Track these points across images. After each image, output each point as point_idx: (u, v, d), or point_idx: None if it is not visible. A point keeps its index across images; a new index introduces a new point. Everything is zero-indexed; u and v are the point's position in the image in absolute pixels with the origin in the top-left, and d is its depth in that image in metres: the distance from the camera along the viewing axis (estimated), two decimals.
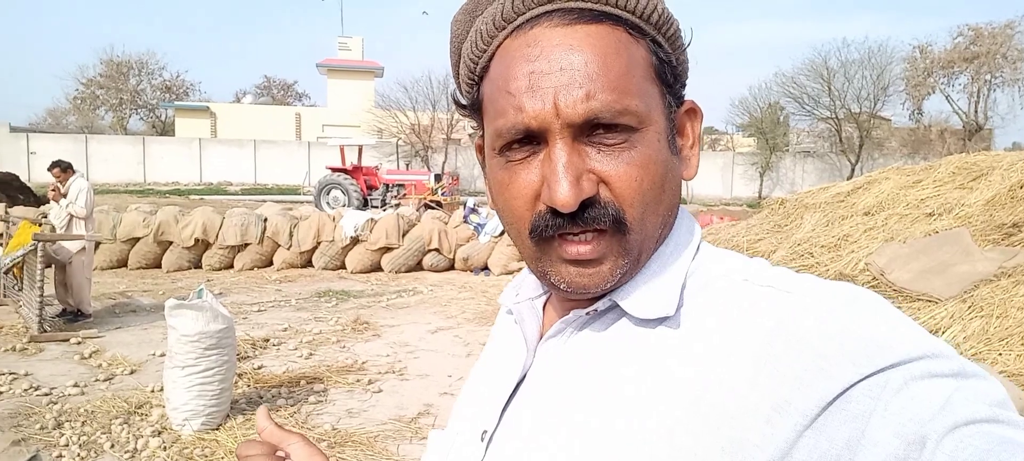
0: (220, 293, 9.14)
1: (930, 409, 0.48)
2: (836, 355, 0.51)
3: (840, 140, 34.76)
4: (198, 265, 11.14)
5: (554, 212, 0.60)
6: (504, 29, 0.63)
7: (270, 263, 11.36)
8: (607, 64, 0.59)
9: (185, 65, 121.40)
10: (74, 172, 7.66)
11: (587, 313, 0.66)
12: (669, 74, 0.65)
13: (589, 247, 0.61)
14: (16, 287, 7.50)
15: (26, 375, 5.44)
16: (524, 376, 0.70)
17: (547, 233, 0.62)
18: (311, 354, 6.36)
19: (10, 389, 5.09)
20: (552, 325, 0.69)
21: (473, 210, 12.93)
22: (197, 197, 26.81)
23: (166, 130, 44.22)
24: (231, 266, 11.17)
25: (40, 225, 7.60)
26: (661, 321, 0.62)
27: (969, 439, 0.46)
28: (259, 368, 5.86)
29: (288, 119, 40.03)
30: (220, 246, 11.08)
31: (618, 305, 0.64)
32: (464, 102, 0.71)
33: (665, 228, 0.66)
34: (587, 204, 0.60)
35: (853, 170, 32.59)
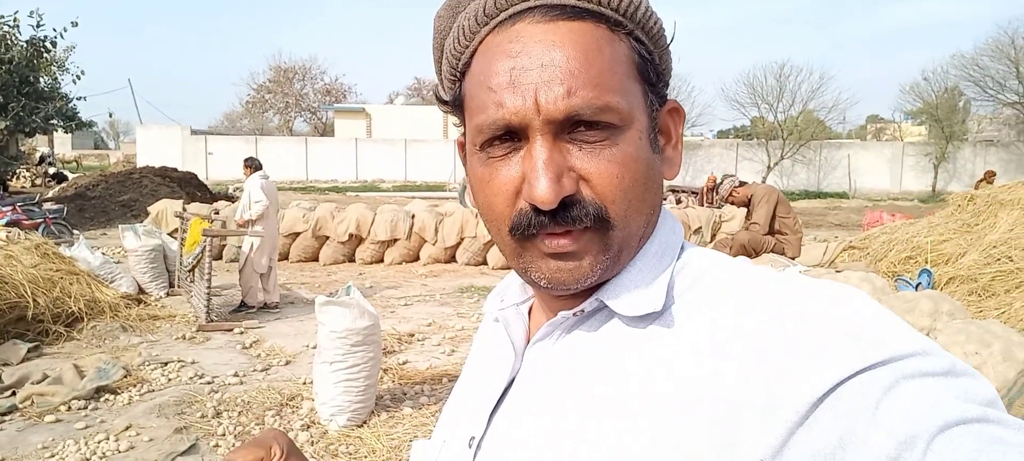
0: (370, 287, 9.42)
1: (921, 408, 0.47)
2: (827, 351, 0.51)
3: None
4: (352, 259, 11.58)
5: (535, 209, 0.60)
6: (486, 25, 0.63)
7: (417, 258, 11.62)
8: (589, 61, 0.59)
9: (343, 69, 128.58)
10: (254, 171, 8.06)
11: (574, 314, 0.65)
12: (652, 72, 0.64)
13: (569, 240, 0.60)
14: (190, 279, 8.06)
15: (193, 363, 5.77)
16: (512, 381, 0.70)
17: (528, 231, 0.61)
18: (453, 350, 6.34)
19: (178, 376, 5.40)
20: (539, 329, 0.69)
21: None
22: (353, 194, 28.18)
23: (327, 131, 46.90)
24: (382, 260, 11.53)
25: (210, 221, 8.13)
26: (650, 320, 0.62)
27: (960, 438, 0.45)
28: (404, 363, 5.90)
29: (436, 118, 41.19)
30: (372, 241, 11.46)
31: (605, 305, 0.64)
32: (446, 98, 0.70)
33: (648, 227, 0.66)
34: (568, 203, 0.59)
35: None
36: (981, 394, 0.49)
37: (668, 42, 0.66)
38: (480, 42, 0.63)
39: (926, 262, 5.79)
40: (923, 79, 33.88)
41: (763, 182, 30.18)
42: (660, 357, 0.58)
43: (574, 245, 0.60)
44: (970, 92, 32.66)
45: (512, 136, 0.61)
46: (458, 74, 0.66)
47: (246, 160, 8.16)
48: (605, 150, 0.60)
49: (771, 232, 6.38)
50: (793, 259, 6.03)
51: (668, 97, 0.68)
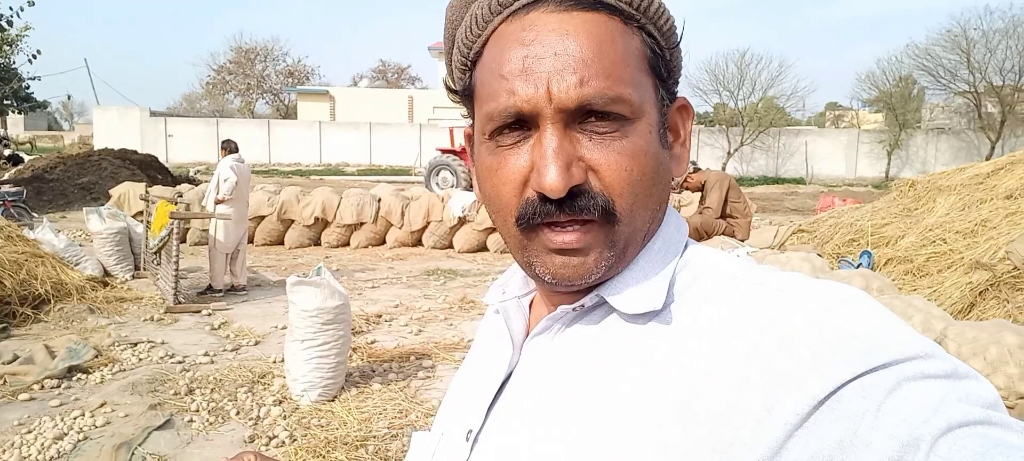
0: (337, 270, 9.53)
1: (924, 410, 0.47)
2: (828, 354, 0.51)
3: (979, 116, 32.13)
4: (317, 242, 11.66)
5: (542, 198, 0.60)
6: (500, 14, 0.63)
7: (383, 241, 11.74)
8: (602, 51, 0.59)
9: (306, 51, 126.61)
10: (229, 153, 8.15)
11: (574, 309, 0.65)
12: (662, 67, 0.64)
13: (575, 236, 0.60)
14: (156, 261, 8.10)
15: (162, 343, 5.88)
16: (510, 374, 0.70)
17: (534, 220, 0.61)
18: (420, 330, 6.53)
19: (148, 356, 5.51)
20: (539, 322, 0.68)
21: None
22: (317, 177, 28.04)
23: (289, 113, 46.41)
24: (347, 244, 11.64)
25: (176, 204, 8.17)
26: (650, 317, 0.62)
27: (963, 441, 0.45)
28: (372, 343, 6.08)
29: (401, 102, 41.05)
30: (338, 225, 11.55)
31: (606, 301, 0.64)
32: (456, 88, 0.70)
33: (654, 223, 0.65)
34: (576, 192, 0.59)
35: (993, 148, 30.09)
36: (984, 397, 0.49)
37: (678, 39, 0.66)
38: (493, 31, 0.63)
39: (867, 244, 6.14)
40: (878, 68, 34.78)
41: (723, 168, 30.81)
42: (658, 355, 0.58)
43: (580, 242, 0.60)
44: (923, 81, 33.54)
45: (522, 124, 0.61)
46: (469, 63, 0.66)
47: (224, 142, 8.26)
48: (615, 141, 0.60)
49: (723, 216, 6.69)
50: (743, 241, 6.35)
51: (678, 94, 0.68)
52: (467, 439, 0.69)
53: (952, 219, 5.95)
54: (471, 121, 0.70)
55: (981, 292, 4.77)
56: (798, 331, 0.53)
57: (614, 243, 0.62)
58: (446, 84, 0.73)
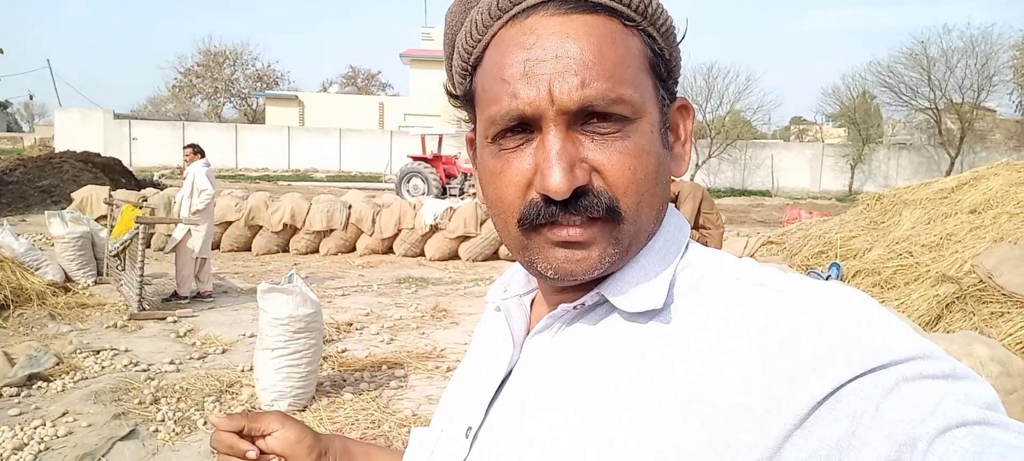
0: (306, 277, 9.40)
1: (921, 411, 0.47)
2: (828, 355, 0.51)
3: (939, 132, 32.94)
4: (286, 249, 11.50)
5: (546, 200, 0.60)
6: (500, 18, 0.63)
7: (354, 249, 11.63)
8: (602, 53, 0.59)
9: (276, 55, 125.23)
10: (199, 157, 7.99)
11: (574, 307, 0.65)
12: (663, 68, 0.65)
13: (578, 230, 0.60)
14: (119, 267, 7.91)
15: (126, 351, 5.73)
16: (510, 372, 0.70)
17: (537, 221, 0.61)
18: (392, 339, 6.47)
19: (111, 364, 5.37)
20: (539, 321, 0.68)
21: None
22: (285, 183, 27.71)
23: (257, 118, 45.82)
24: (317, 251, 11.50)
25: (141, 208, 8.00)
26: (651, 317, 0.61)
27: (960, 441, 0.46)
28: (343, 351, 6.00)
29: (372, 108, 40.83)
30: (307, 231, 11.41)
31: (606, 300, 0.64)
32: (457, 93, 0.71)
33: (656, 223, 0.66)
34: (580, 193, 0.59)
35: (952, 164, 30.84)
36: (982, 397, 0.49)
37: (678, 39, 0.67)
38: (493, 36, 0.64)
39: (836, 256, 6.23)
40: (842, 83, 35.48)
41: (692, 179, 31.14)
42: (659, 355, 0.58)
43: (584, 235, 0.61)
44: (885, 97, 34.30)
45: (525, 127, 0.61)
46: (470, 68, 0.67)
47: (192, 146, 8.10)
48: (617, 142, 0.60)
49: (696, 227, 6.74)
50: None
51: (678, 94, 0.69)
52: (467, 436, 0.69)
53: (918, 233, 6.07)
54: (472, 125, 0.70)
55: (947, 305, 4.86)
56: (800, 333, 0.53)
57: (619, 241, 0.62)
58: (447, 89, 0.73)
